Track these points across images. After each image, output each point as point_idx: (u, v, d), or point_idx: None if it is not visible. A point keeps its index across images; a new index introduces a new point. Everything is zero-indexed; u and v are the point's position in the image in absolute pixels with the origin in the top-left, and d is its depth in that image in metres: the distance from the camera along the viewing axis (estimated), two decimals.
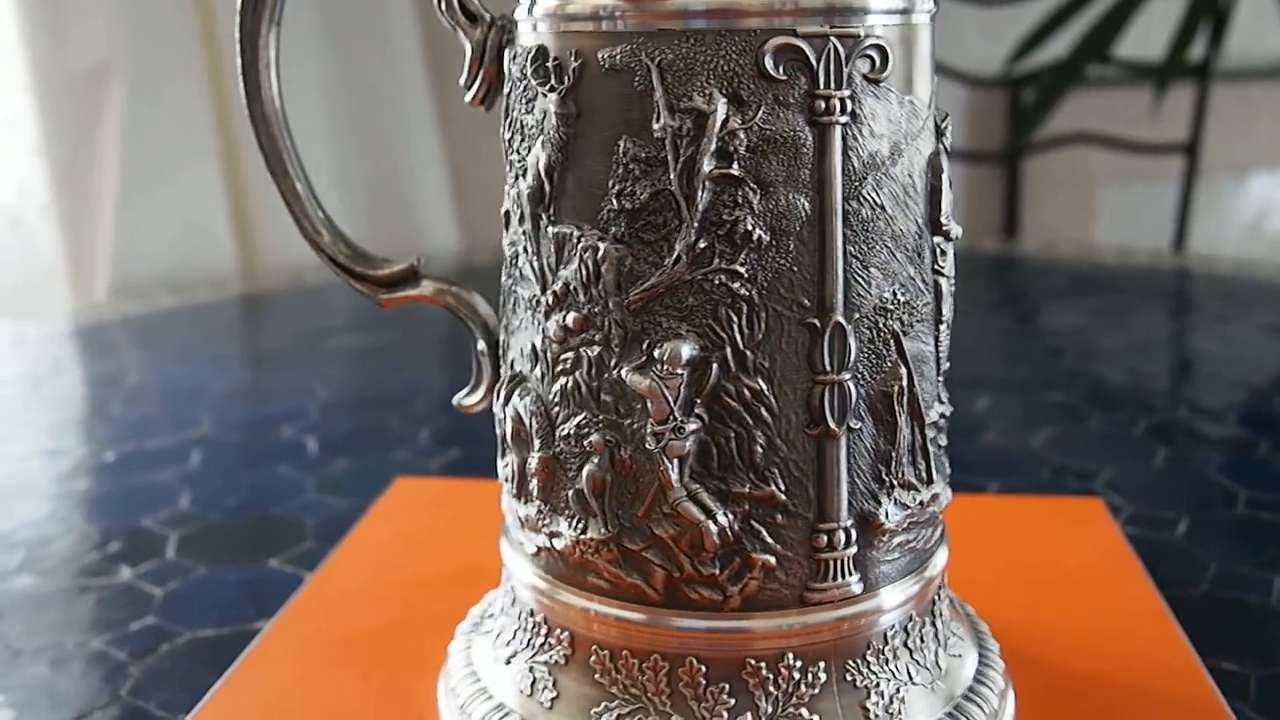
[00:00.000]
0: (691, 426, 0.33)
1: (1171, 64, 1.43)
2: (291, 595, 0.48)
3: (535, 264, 0.35)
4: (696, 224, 0.32)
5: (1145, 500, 0.58)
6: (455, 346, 0.90)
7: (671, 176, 0.32)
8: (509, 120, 0.36)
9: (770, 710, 0.34)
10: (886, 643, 0.36)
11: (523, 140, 0.35)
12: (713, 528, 0.33)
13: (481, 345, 0.40)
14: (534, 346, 0.35)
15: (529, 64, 0.33)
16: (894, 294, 0.34)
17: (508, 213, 0.36)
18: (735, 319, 0.32)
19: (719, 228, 0.32)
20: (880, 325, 0.34)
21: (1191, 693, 0.40)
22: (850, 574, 0.34)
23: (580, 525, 0.35)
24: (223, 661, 0.44)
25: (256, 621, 0.48)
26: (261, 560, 0.54)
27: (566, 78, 0.33)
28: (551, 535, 0.35)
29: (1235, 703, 0.40)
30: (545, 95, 0.33)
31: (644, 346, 0.33)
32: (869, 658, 0.35)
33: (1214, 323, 0.98)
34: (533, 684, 0.37)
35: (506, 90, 0.36)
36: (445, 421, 0.73)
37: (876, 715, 0.35)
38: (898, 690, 0.36)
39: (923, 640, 0.37)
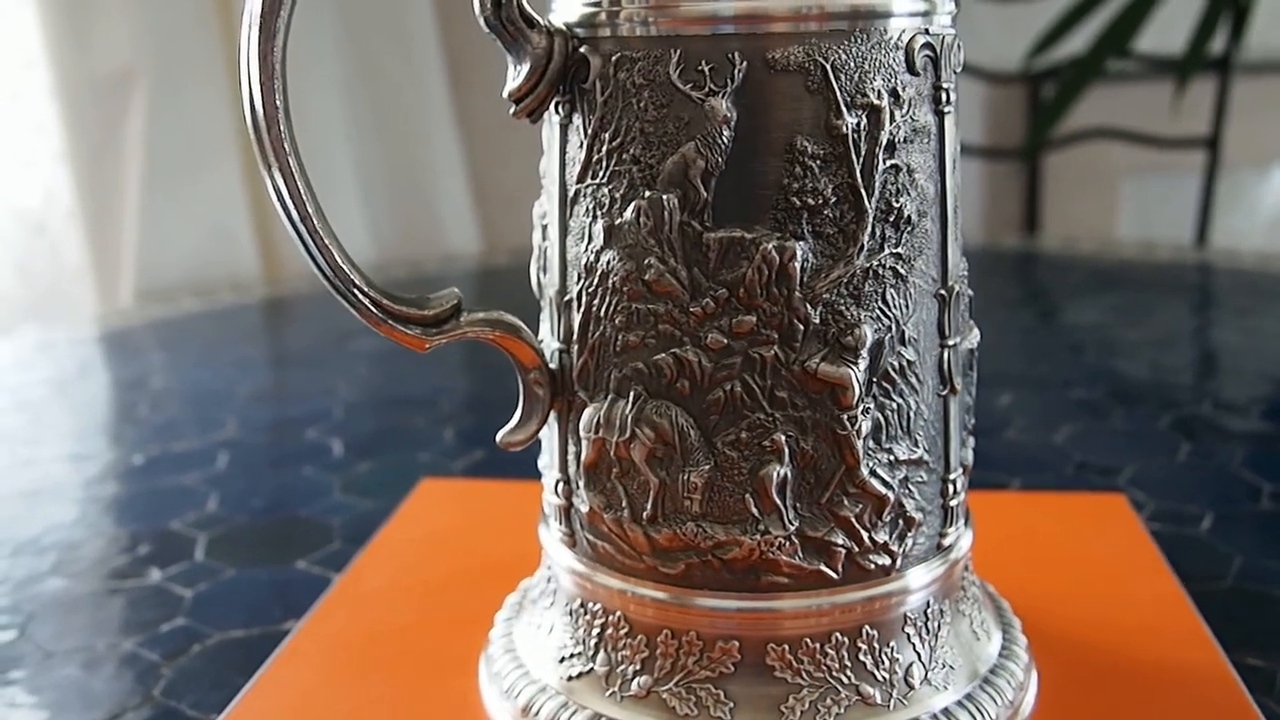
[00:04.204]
0: (871, 405, 0.35)
1: (1192, 57, 1.42)
2: (320, 596, 0.49)
3: (682, 275, 0.34)
4: (874, 214, 0.34)
5: (1169, 496, 0.58)
6: (478, 348, 0.91)
7: (856, 171, 0.33)
8: (614, 128, 0.34)
9: (928, 654, 0.37)
10: (968, 569, 0.41)
11: (647, 148, 0.34)
12: (892, 497, 0.35)
13: (534, 374, 0.38)
14: (677, 359, 0.34)
15: (673, 69, 0.33)
16: (964, 262, 0.38)
17: (612, 228, 0.35)
18: (896, 298, 0.35)
19: (888, 215, 0.34)
20: (962, 291, 0.37)
21: (1217, 686, 0.40)
22: (962, 516, 0.39)
23: (760, 527, 0.35)
24: (253, 662, 0.44)
25: (285, 622, 0.48)
26: (289, 561, 0.54)
27: (729, 80, 0.32)
28: (715, 547, 0.35)
29: (1260, 697, 0.40)
30: (703, 100, 0.33)
31: (827, 337, 0.34)
32: (965, 585, 0.40)
33: (1237, 317, 0.97)
34: (697, 702, 0.36)
35: (603, 97, 0.34)
36: (469, 422, 0.74)
37: (977, 634, 0.39)
38: (979, 610, 0.41)
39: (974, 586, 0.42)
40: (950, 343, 0.36)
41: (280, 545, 0.56)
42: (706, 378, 0.34)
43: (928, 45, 0.34)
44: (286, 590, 0.52)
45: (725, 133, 0.33)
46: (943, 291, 0.36)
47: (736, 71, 0.32)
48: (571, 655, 0.38)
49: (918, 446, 0.36)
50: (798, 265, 0.33)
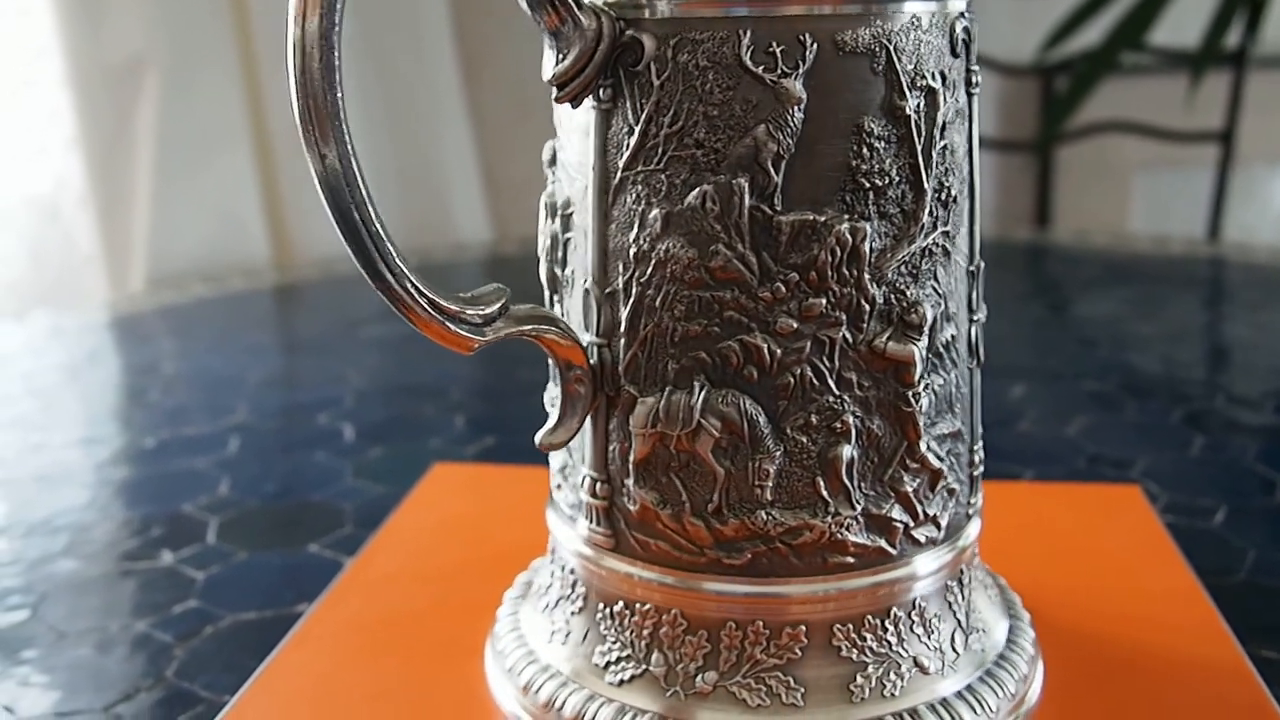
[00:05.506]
0: (929, 381, 0.35)
1: (1207, 51, 1.42)
2: (332, 579, 0.49)
3: (750, 260, 0.33)
4: (931, 193, 0.34)
5: (1182, 489, 0.58)
6: None
7: (918, 151, 0.34)
8: (673, 112, 0.33)
9: (965, 619, 0.38)
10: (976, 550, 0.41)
11: (712, 131, 0.33)
12: (945, 470, 0.36)
13: (575, 372, 0.36)
14: (744, 346, 0.34)
15: (743, 51, 0.32)
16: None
17: (671, 215, 0.34)
18: (944, 275, 0.35)
19: (940, 194, 0.34)
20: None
21: (1232, 679, 0.40)
22: (980, 486, 0.40)
23: (830, 510, 0.35)
24: (265, 644, 0.44)
25: (297, 605, 0.48)
26: (301, 545, 0.54)
27: (801, 62, 0.32)
28: (784, 533, 0.35)
29: (1277, 690, 0.40)
30: (776, 81, 0.32)
31: (891, 316, 0.34)
32: (976, 553, 0.41)
33: (1249, 311, 0.97)
34: (768, 692, 0.35)
35: (659, 80, 0.33)
36: (480, 409, 0.74)
37: (991, 598, 0.41)
38: (987, 576, 0.42)
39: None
40: (977, 317, 0.37)
41: (292, 529, 0.56)
42: (775, 363, 0.34)
43: (965, 29, 0.35)
44: (298, 573, 0.52)
45: (796, 114, 0.33)
46: (972, 268, 0.37)
47: (807, 53, 0.32)
48: (618, 660, 0.37)
49: (957, 419, 0.37)
50: (868, 246, 0.33)
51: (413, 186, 1.55)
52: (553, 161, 0.39)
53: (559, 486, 0.40)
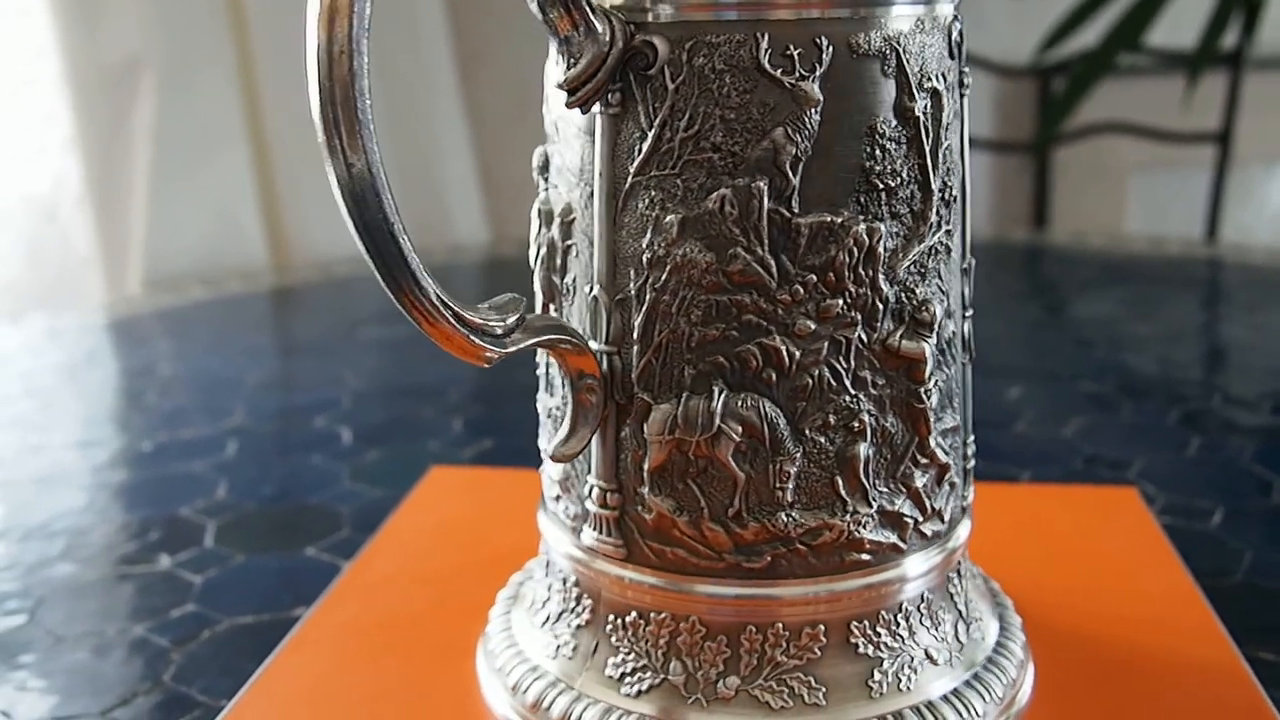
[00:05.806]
0: (936, 377, 0.36)
1: (1204, 52, 1.42)
2: (330, 583, 0.49)
3: (769, 263, 0.33)
4: (937, 193, 0.35)
5: (1179, 490, 0.58)
6: None
7: (926, 152, 0.34)
8: (689, 116, 0.33)
9: (965, 610, 0.39)
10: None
11: (729, 134, 0.33)
12: (951, 464, 0.37)
13: (587, 381, 0.36)
14: (763, 349, 0.34)
15: (762, 54, 0.32)
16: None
17: (688, 219, 0.33)
18: (946, 273, 0.36)
19: (943, 193, 0.35)
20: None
21: (1229, 680, 0.40)
22: (972, 480, 0.40)
23: (849, 509, 0.35)
24: (262, 648, 0.44)
25: (295, 609, 0.48)
26: (298, 549, 0.54)
27: (817, 65, 0.33)
28: (805, 534, 0.35)
29: (1273, 691, 0.40)
30: (794, 84, 0.32)
31: (903, 315, 0.35)
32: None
33: (1246, 312, 0.97)
34: (790, 693, 0.36)
35: (674, 84, 0.33)
36: (477, 412, 0.74)
37: (982, 589, 0.42)
38: (974, 566, 0.43)
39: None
40: (968, 313, 0.38)
41: (289, 532, 0.56)
42: (794, 365, 0.34)
43: (960, 31, 0.35)
44: (296, 577, 0.52)
45: (814, 117, 0.33)
46: (965, 265, 0.38)
47: (824, 56, 0.32)
48: (634, 670, 0.37)
49: (957, 414, 0.37)
50: (883, 246, 0.34)
51: (410, 187, 1.55)
52: (544, 168, 0.38)
53: (558, 498, 0.39)
